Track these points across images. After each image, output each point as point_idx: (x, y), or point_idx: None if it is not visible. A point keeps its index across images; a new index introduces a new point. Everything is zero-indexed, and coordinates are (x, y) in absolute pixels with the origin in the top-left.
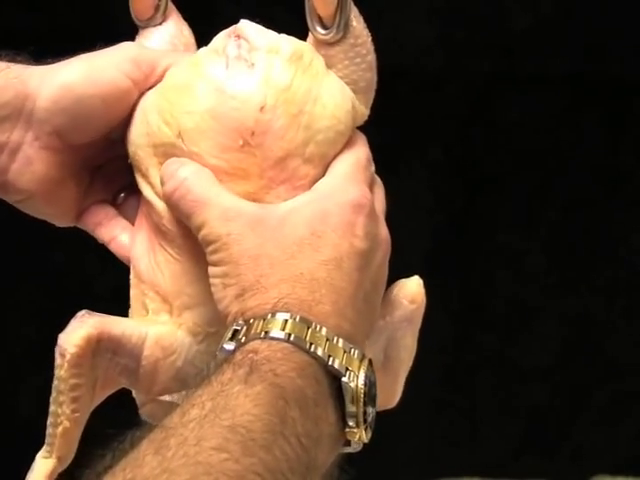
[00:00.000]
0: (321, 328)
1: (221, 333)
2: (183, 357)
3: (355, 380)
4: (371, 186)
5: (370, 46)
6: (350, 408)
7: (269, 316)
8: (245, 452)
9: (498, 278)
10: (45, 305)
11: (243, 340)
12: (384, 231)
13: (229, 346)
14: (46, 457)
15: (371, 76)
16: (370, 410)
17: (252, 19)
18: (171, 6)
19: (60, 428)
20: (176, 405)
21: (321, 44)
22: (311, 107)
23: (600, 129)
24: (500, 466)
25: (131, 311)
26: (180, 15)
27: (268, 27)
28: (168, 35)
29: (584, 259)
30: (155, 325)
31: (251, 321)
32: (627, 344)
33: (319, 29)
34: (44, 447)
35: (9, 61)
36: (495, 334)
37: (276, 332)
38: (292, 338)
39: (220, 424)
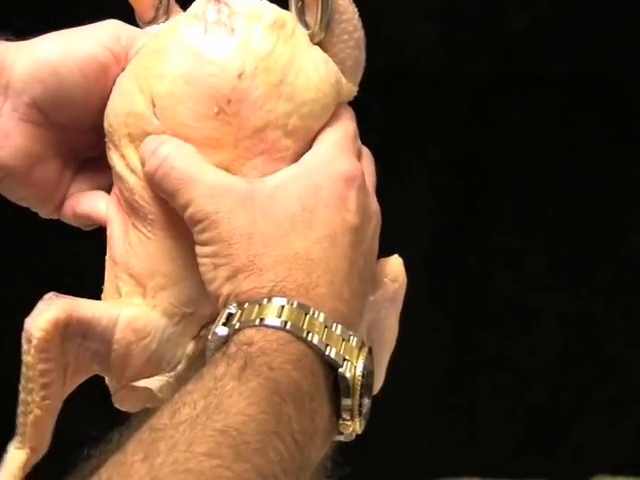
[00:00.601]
0: (319, 314)
1: (198, 314)
2: (157, 339)
3: (353, 370)
4: (360, 158)
5: (357, 22)
6: (345, 401)
7: (265, 301)
8: (237, 457)
9: (498, 278)
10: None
11: (237, 326)
12: (375, 204)
13: (222, 331)
14: (19, 448)
15: (359, 54)
16: (366, 401)
17: None
18: (174, 5)
19: (31, 417)
20: (163, 400)
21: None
22: (293, 78)
23: (600, 129)
24: (500, 466)
25: (104, 295)
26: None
27: None
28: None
29: (584, 259)
30: (127, 307)
31: (245, 305)
32: (627, 344)
33: (301, 27)
34: (16, 438)
35: None
36: (495, 334)
37: (272, 319)
38: (288, 326)
39: (212, 426)
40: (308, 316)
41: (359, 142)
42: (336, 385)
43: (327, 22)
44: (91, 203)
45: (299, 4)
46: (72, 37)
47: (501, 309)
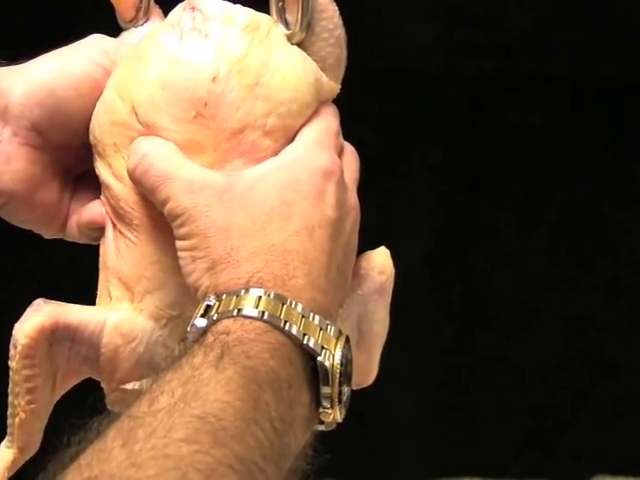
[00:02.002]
0: (296, 304)
1: (185, 316)
2: (145, 343)
3: (331, 359)
4: (341, 154)
5: (338, 21)
6: (325, 389)
7: (242, 292)
8: (216, 443)
9: (498, 278)
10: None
11: (215, 317)
12: (353, 199)
13: (200, 323)
14: (8, 447)
15: (340, 52)
16: (345, 389)
17: None
18: (155, 9)
19: (17, 419)
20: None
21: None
22: (269, 78)
23: (600, 129)
24: (500, 466)
25: (97, 298)
26: (163, 17)
27: None
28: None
29: (584, 259)
30: (114, 311)
31: (223, 297)
32: (627, 344)
33: (282, 27)
34: (7, 437)
35: None
36: (495, 334)
37: (249, 310)
38: (266, 316)
39: (190, 413)
40: (285, 306)
41: (341, 138)
42: (315, 374)
43: (308, 22)
44: (92, 210)
45: (280, 4)
46: (63, 57)
47: (501, 309)
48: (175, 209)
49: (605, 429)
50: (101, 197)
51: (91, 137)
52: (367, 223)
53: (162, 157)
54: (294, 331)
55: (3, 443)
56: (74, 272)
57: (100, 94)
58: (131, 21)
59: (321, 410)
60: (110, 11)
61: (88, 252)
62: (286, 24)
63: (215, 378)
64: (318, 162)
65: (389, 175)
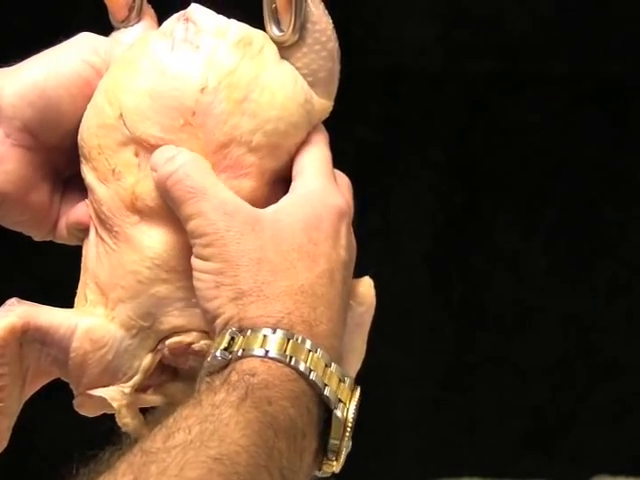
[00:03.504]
0: (321, 352)
1: (156, 328)
2: (114, 351)
3: (345, 413)
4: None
5: (331, 34)
6: (333, 442)
7: (270, 332)
8: None
9: (498, 278)
10: (45, 305)
11: (240, 353)
12: (354, 239)
13: (224, 355)
14: None
15: (332, 66)
16: (350, 444)
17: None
18: (148, 10)
19: None
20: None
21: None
22: (258, 95)
23: (600, 129)
24: (500, 466)
25: (76, 300)
26: (155, 18)
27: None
28: (135, 36)
29: (584, 259)
30: (86, 317)
31: (248, 332)
32: (627, 344)
33: (275, 30)
34: None
35: None
36: (495, 334)
37: (277, 353)
38: (293, 362)
39: (206, 453)
40: (312, 353)
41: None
42: (326, 425)
43: (300, 25)
44: (79, 211)
45: (272, 6)
46: (54, 57)
47: (501, 309)
48: (205, 227)
49: (605, 429)
50: (86, 200)
51: (79, 139)
52: (367, 223)
53: (199, 170)
54: (317, 380)
55: None
56: (74, 272)
57: (91, 93)
58: (123, 21)
59: (325, 461)
60: (106, 10)
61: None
62: (278, 27)
63: (235, 419)
64: (334, 201)
65: (389, 175)
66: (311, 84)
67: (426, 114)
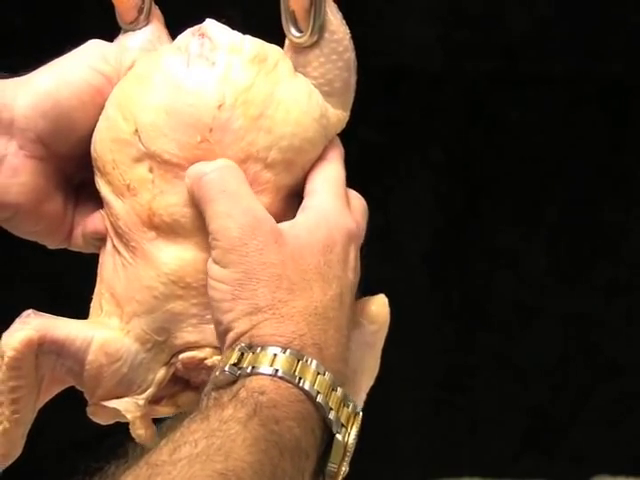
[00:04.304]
0: (329, 376)
1: (170, 342)
2: (129, 364)
3: (347, 437)
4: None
5: (348, 44)
6: (332, 465)
7: (280, 351)
8: None
9: (498, 278)
10: (45, 305)
11: (250, 370)
12: (359, 262)
13: (233, 371)
14: None
15: (348, 76)
16: (346, 469)
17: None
18: (155, 11)
19: (0, 427)
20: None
21: (297, 47)
22: (273, 111)
23: (600, 129)
24: (500, 466)
25: (91, 308)
26: (162, 19)
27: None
28: (144, 41)
29: (584, 259)
30: (102, 330)
31: (259, 350)
32: (627, 344)
33: (293, 32)
34: None
35: None
36: (495, 334)
37: (287, 374)
38: (302, 384)
39: (212, 467)
40: (319, 376)
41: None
42: (327, 447)
43: (319, 26)
44: (96, 221)
45: (290, 8)
46: (64, 66)
47: (501, 309)
48: (231, 229)
49: (605, 429)
50: (102, 211)
51: (92, 151)
52: (367, 223)
53: (235, 176)
54: (323, 403)
55: None
56: (74, 272)
57: (102, 101)
58: (132, 22)
59: None
60: (112, 12)
61: (88, 253)
62: (297, 28)
63: (242, 436)
64: (345, 223)
65: (389, 175)
66: (327, 94)
67: (426, 114)
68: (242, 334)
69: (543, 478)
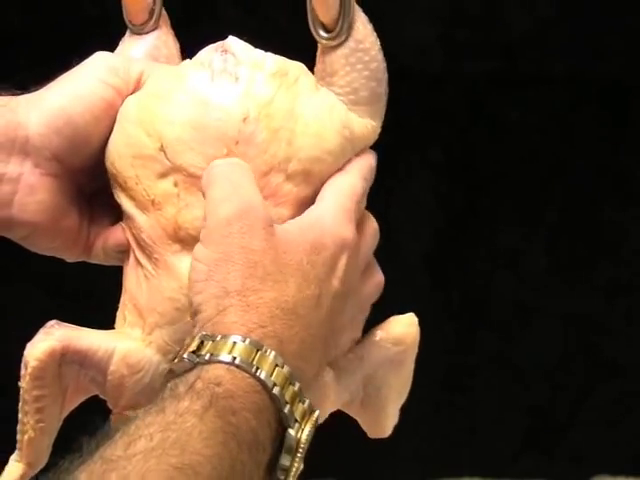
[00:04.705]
0: (288, 370)
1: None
2: (150, 374)
3: (300, 433)
4: (362, 224)
5: (375, 54)
6: (284, 461)
7: (240, 340)
8: None
9: (498, 278)
10: (45, 305)
11: (208, 357)
12: (368, 284)
13: (192, 358)
14: (17, 461)
15: (375, 86)
16: (301, 466)
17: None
18: (164, 15)
19: (26, 436)
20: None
21: (325, 48)
22: (293, 124)
23: (600, 129)
24: (500, 466)
25: (117, 318)
26: (169, 22)
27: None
28: (150, 47)
29: (584, 259)
30: (124, 340)
31: (219, 338)
32: (627, 344)
33: (322, 33)
34: (16, 451)
35: None
36: (495, 334)
37: (244, 363)
38: (259, 373)
39: (167, 461)
40: (277, 368)
41: (364, 203)
42: (281, 442)
43: (348, 25)
44: (118, 234)
45: (313, 12)
46: (74, 81)
47: (501, 309)
48: (221, 211)
49: (605, 429)
50: (122, 223)
51: (109, 166)
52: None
53: (242, 170)
54: (279, 395)
55: (13, 457)
56: (74, 272)
57: (114, 113)
58: (141, 24)
59: (274, 478)
60: (115, 12)
61: None
62: (324, 28)
63: (198, 429)
64: (340, 232)
65: (389, 175)
66: (353, 102)
67: (426, 114)
68: (207, 320)
69: (543, 478)
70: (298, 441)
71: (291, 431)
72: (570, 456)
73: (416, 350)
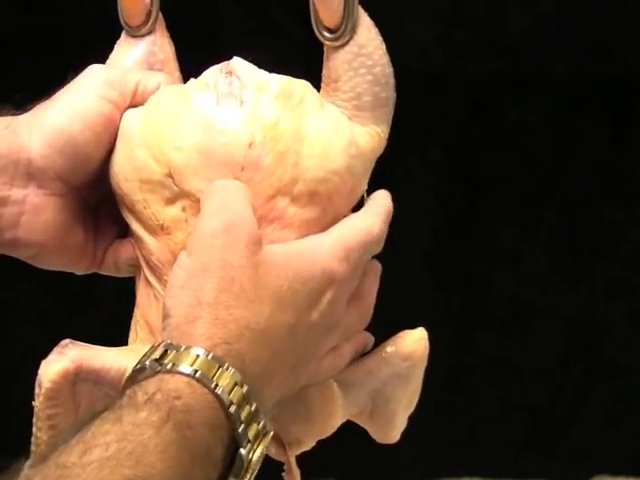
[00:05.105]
0: (247, 391)
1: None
2: None
3: (251, 454)
4: (367, 271)
5: (379, 58)
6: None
7: (203, 353)
8: None
9: (498, 278)
10: (45, 305)
11: (169, 367)
12: (353, 314)
13: (153, 366)
14: (32, 467)
15: (379, 90)
16: None
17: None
18: (160, 18)
19: (39, 449)
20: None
21: (329, 50)
22: (298, 146)
23: (600, 129)
24: (500, 466)
25: (131, 331)
26: (165, 28)
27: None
28: (146, 53)
29: (584, 259)
30: (135, 359)
31: (182, 348)
32: (627, 344)
33: (326, 34)
34: (30, 459)
35: None
36: (495, 334)
37: (205, 377)
38: (218, 391)
39: (121, 472)
40: (237, 387)
41: (380, 247)
42: (231, 461)
43: (352, 26)
44: (129, 249)
45: (316, 14)
46: (72, 98)
47: (501, 309)
48: (209, 223)
49: (605, 429)
50: (131, 240)
51: (115, 186)
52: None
53: (239, 190)
54: (235, 415)
55: (27, 463)
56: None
57: (114, 128)
58: (138, 26)
59: None
60: (110, 12)
61: None
62: (327, 29)
63: (154, 441)
64: (332, 266)
65: (389, 175)
66: (357, 108)
67: (426, 114)
68: (175, 327)
69: (543, 478)
70: (249, 461)
71: (243, 451)
72: (570, 456)
73: (425, 363)
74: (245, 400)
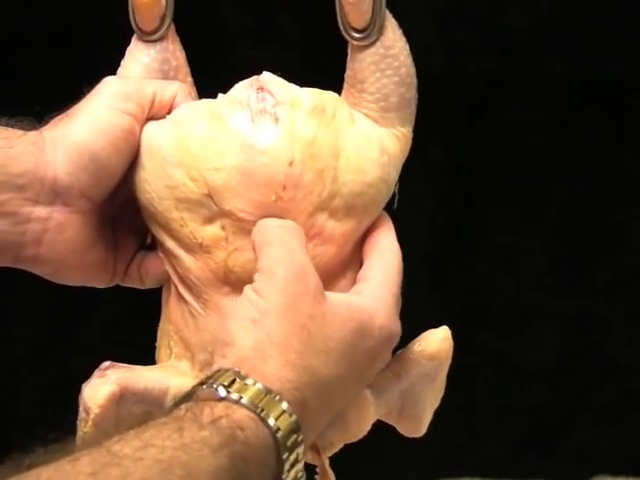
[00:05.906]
0: (301, 439)
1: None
2: None
3: None
4: None
5: (404, 59)
6: None
7: (272, 395)
8: None
9: (498, 278)
10: (45, 305)
11: (237, 398)
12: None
13: (222, 392)
14: None
15: (404, 91)
16: None
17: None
18: (172, 27)
19: None
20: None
21: (354, 51)
22: (335, 162)
23: (600, 129)
24: (500, 466)
25: (158, 345)
26: (176, 33)
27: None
28: (159, 61)
29: (584, 259)
30: (175, 378)
31: (251, 382)
32: (627, 344)
33: (353, 34)
34: None
35: (9, 125)
36: (495, 334)
37: (271, 421)
38: (278, 435)
39: (169, 477)
40: (295, 435)
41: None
42: None
43: (380, 26)
44: (158, 265)
45: (343, 15)
46: (92, 113)
47: (501, 309)
48: (278, 272)
49: (605, 429)
50: (160, 254)
51: (145, 203)
52: None
53: (295, 233)
54: (285, 459)
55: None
56: None
57: (134, 141)
58: (151, 32)
59: None
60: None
61: None
62: (356, 31)
63: (208, 460)
64: (390, 325)
65: None
66: (384, 109)
67: (426, 114)
68: (241, 358)
69: (543, 478)
70: None
71: None
72: (570, 456)
73: (449, 362)
74: (295, 446)
